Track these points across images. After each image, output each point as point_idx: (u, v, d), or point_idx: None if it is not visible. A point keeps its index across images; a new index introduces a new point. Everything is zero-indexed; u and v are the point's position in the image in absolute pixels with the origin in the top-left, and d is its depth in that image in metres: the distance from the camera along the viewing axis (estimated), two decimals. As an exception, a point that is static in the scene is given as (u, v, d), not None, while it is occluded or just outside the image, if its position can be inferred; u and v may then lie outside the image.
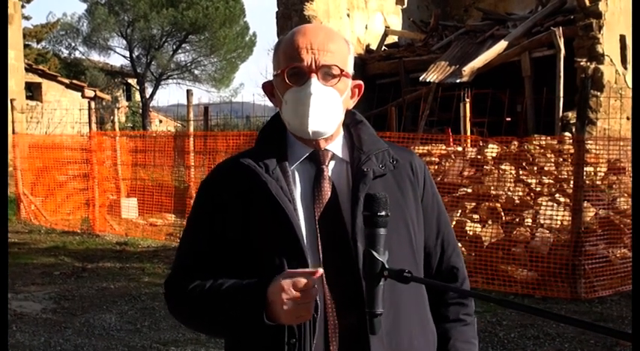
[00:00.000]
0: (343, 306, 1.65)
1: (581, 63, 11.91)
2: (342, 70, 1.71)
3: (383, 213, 1.50)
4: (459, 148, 9.33)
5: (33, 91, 21.64)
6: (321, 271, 1.58)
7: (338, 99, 1.71)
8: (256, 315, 1.59)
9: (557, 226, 7.54)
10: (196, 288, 1.72)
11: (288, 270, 1.60)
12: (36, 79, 21.64)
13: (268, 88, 1.81)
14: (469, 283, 1.91)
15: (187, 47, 32.10)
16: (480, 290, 6.90)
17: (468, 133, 9.71)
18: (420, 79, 13.43)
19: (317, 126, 1.69)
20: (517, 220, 7.76)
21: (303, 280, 1.55)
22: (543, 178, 8.43)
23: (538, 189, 8.24)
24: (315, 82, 1.67)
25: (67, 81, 22.83)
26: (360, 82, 1.82)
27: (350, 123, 1.82)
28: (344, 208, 1.70)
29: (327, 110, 1.69)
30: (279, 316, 1.57)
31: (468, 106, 9.73)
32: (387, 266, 1.46)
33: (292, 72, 1.69)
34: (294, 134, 1.75)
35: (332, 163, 1.76)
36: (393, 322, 1.67)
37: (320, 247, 1.67)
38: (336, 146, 1.77)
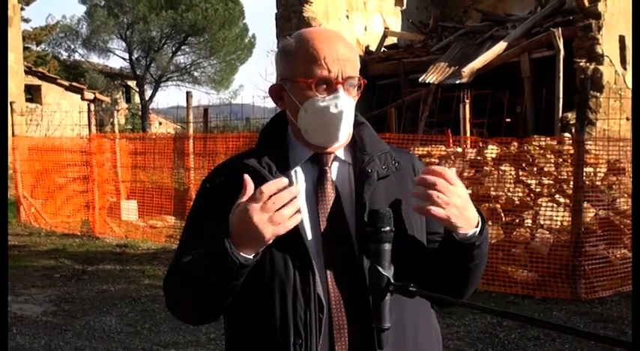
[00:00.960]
0: (348, 306, 1.65)
1: (581, 64, 11.91)
2: (361, 80, 1.73)
3: (387, 228, 1.51)
4: (459, 149, 9.32)
5: (32, 94, 21.63)
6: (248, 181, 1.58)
7: (354, 107, 1.74)
8: (221, 251, 1.57)
9: (557, 226, 7.54)
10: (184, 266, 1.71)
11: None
12: (35, 81, 21.63)
13: (276, 90, 1.78)
14: None
15: (187, 49, 32.12)
16: (480, 291, 6.90)
17: (468, 134, 9.69)
18: (420, 80, 13.43)
19: (342, 138, 1.72)
20: (517, 220, 7.76)
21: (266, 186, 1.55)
22: (543, 178, 8.43)
23: (538, 190, 8.24)
24: (343, 94, 1.68)
25: (66, 83, 22.82)
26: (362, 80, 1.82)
27: (352, 124, 1.82)
28: (347, 209, 1.71)
29: (349, 121, 1.72)
30: (239, 238, 1.57)
31: (467, 107, 9.71)
32: (392, 281, 1.47)
33: (320, 82, 1.68)
34: (308, 141, 1.74)
35: (334, 165, 1.76)
36: (398, 324, 1.67)
37: (324, 248, 1.68)
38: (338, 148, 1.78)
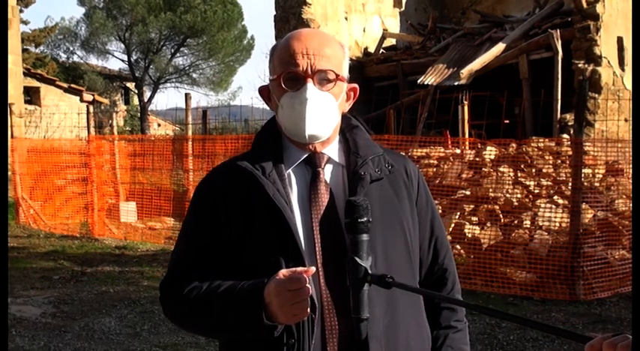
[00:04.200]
0: (341, 307, 1.67)
1: (579, 65, 11.92)
2: (337, 75, 1.73)
3: (364, 219, 1.51)
4: (458, 151, 9.34)
5: (31, 96, 21.63)
6: (313, 269, 1.59)
7: (334, 103, 1.73)
8: (255, 318, 1.60)
9: (556, 227, 7.55)
10: (193, 291, 1.73)
11: (280, 271, 1.61)
12: (34, 83, 21.63)
13: (265, 92, 1.83)
14: (460, 287, 1.92)
15: (185, 51, 32.18)
16: (479, 292, 6.92)
17: (466, 135, 9.71)
18: (418, 81, 13.43)
19: (313, 130, 1.71)
20: (516, 222, 7.77)
21: (294, 280, 1.56)
22: (541, 180, 8.44)
23: (536, 191, 8.26)
24: (310, 87, 1.69)
25: (65, 85, 22.82)
26: (355, 85, 1.84)
27: (345, 128, 1.84)
28: (340, 211, 1.71)
29: (323, 115, 1.71)
30: (276, 316, 1.59)
31: (466, 108, 9.73)
32: (370, 272, 1.47)
33: (288, 77, 1.71)
34: (290, 138, 1.77)
35: (328, 167, 1.78)
36: (391, 324, 1.69)
37: (317, 250, 1.69)
38: (331, 150, 1.79)
